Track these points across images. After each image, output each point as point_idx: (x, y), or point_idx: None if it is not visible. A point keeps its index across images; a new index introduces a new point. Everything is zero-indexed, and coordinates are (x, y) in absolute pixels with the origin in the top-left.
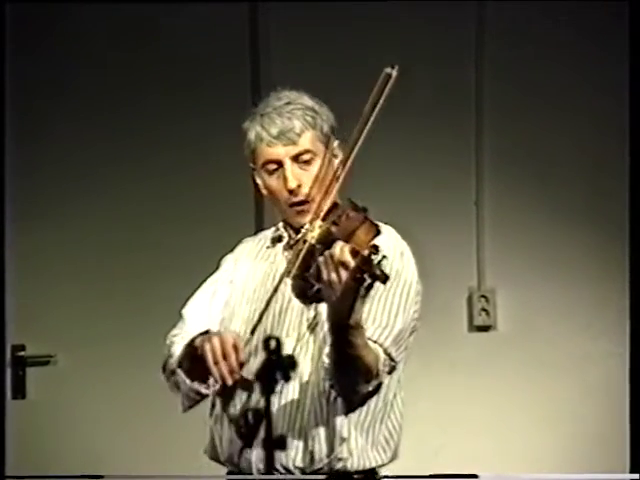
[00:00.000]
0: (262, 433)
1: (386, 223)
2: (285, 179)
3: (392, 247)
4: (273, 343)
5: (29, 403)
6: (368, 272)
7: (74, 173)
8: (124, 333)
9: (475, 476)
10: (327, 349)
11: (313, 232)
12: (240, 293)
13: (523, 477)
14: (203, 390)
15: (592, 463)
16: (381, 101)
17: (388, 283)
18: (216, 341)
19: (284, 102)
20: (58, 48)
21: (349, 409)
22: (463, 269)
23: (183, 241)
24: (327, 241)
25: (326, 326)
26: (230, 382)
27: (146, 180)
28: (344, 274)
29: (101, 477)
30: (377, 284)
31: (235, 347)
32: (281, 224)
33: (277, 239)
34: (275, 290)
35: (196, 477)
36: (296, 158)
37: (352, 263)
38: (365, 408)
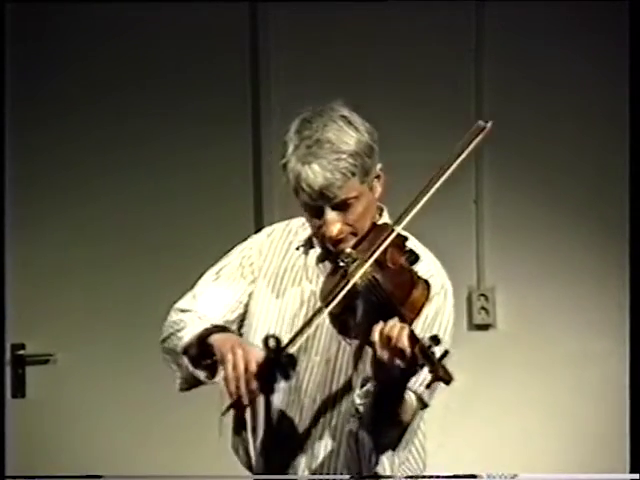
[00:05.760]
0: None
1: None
2: (326, 224)
3: (437, 284)
4: (272, 342)
5: (29, 402)
6: (431, 370)
7: (74, 174)
8: (123, 332)
9: (475, 476)
10: (359, 392)
11: (356, 267)
12: (269, 292)
13: (523, 477)
14: (205, 380)
15: (592, 463)
16: (467, 152)
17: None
18: (240, 356)
19: (327, 148)
20: (58, 49)
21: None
22: (462, 267)
23: (183, 242)
24: (374, 290)
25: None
26: (247, 402)
27: (146, 181)
28: (399, 361)
29: (100, 477)
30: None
31: (260, 366)
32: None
33: (308, 243)
34: (311, 319)
35: (196, 477)
36: (337, 205)
37: (408, 351)
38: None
